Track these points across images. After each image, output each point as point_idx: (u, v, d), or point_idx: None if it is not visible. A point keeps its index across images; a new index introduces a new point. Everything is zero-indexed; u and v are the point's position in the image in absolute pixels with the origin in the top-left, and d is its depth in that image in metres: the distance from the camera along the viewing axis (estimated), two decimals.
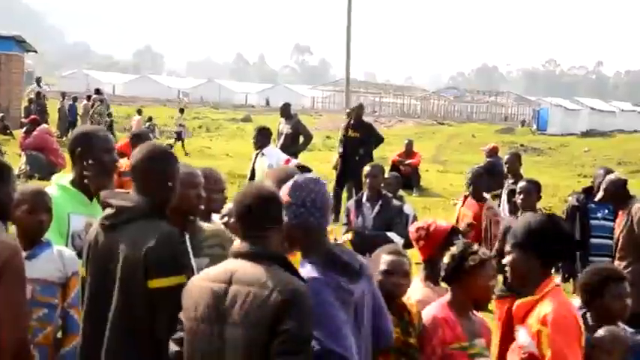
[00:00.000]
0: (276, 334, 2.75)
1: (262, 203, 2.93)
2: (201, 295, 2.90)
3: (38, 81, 27.25)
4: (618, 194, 6.79)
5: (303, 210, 3.06)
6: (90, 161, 3.78)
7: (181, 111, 28.41)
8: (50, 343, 3.57)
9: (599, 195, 6.91)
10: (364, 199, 7.15)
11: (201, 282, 2.93)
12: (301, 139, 13.06)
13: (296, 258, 3.05)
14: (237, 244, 3.00)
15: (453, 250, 3.68)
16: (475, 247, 3.70)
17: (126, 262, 3.11)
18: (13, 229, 3.58)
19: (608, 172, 7.52)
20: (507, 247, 3.37)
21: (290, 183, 3.14)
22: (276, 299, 2.77)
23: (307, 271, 3.02)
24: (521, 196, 6.40)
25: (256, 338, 2.78)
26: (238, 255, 2.93)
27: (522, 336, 3.21)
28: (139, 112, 28.78)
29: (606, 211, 7.40)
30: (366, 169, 7.33)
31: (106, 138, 3.95)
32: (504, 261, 3.38)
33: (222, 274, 2.90)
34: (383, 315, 3.28)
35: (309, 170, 9.07)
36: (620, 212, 6.84)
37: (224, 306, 2.84)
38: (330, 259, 3.04)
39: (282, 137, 12.91)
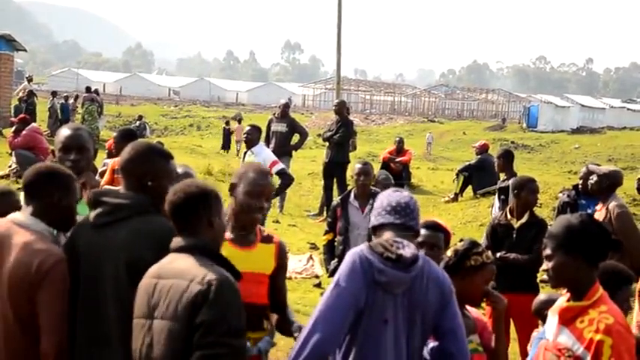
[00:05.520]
0: (194, 327, 2.73)
1: (193, 198, 2.95)
2: (143, 290, 2.91)
3: (29, 80, 27.06)
4: (611, 187, 6.79)
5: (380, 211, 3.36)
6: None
7: None
8: None
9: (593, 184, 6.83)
10: (351, 197, 6.85)
11: (145, 279, 2.95)
12: (296, 137, 13.01)
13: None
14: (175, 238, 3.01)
15: (458, 246, 3.66)
16: (481, 248, 3.66)
17: (132, 257, 3.08)
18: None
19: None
20: (548, 251, 3.14)
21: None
22: (192, 290, 2.76)
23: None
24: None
25: (177, 331, 2.76)
26: (174, 249, 2.95)
27: (567, 338, 3.13)
28: (239, 120, 28.31)
29: (596, 207, 7.40)
30: (356, 167, 6.94)
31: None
32: (544, 266, 3.17)
33: (156, 269, 2.92)
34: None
35: (290, 177, 9.07)
36: (600, 205, 6.81)
37: (152, 300, 2.85)
38: (376, 245, 3.10)
39: (277, 136, 12.77)
